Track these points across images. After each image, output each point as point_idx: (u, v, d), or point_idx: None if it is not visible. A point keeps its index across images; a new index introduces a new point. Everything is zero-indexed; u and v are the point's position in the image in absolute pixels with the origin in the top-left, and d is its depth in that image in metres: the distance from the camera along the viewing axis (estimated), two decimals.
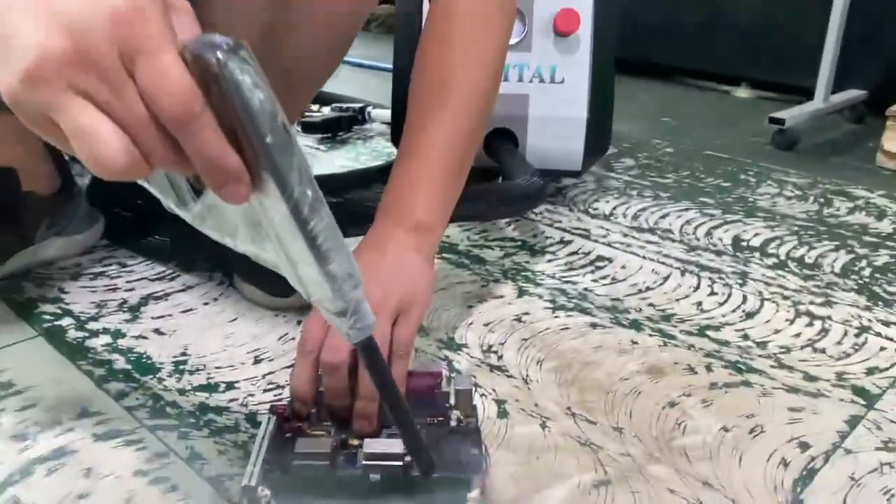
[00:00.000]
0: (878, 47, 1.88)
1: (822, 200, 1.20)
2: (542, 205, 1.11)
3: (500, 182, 0.99)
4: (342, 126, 1.51)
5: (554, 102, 1.06)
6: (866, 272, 0.95)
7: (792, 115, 1.60)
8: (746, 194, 1.22)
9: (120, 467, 0.57)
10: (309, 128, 1.47)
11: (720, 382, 0.70)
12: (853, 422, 0.65)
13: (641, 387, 0.69)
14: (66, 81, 0.33)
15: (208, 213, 0.42)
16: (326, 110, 1.55)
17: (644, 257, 0.97)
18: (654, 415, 0.65)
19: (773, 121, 1.59)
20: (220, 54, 0.34)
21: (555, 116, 1.06)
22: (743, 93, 2.13)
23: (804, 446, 0.62)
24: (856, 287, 0.90)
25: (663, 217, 1.10)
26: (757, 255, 0.99)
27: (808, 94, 1.73)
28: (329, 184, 1.14)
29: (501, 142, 1.07)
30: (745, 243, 1.02)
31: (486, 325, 0.79)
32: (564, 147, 1.08)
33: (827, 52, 1.66)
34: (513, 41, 1.05)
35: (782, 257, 0.98)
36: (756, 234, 1.05)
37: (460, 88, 0.68)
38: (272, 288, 0.80)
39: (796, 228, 1.08)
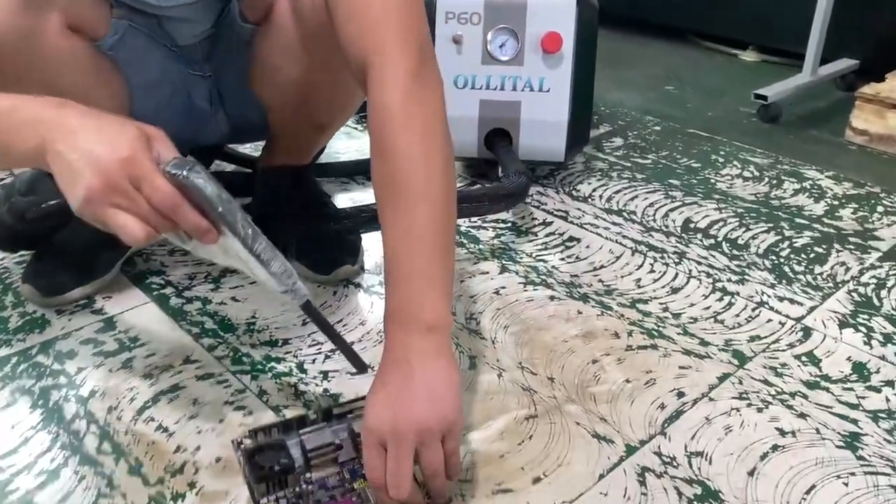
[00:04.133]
0: (870, 16, 2.03)
1: (774, 182, 1.43)
2: (525, 199, 1.33)
3: (489, 185, 1.23)
4: None
5: (541, 108, 1.30)
6: (784, 253, 1.19)
7: (775, 90, 1.79)
8: (710, 175, 1.45)
9: (214, 398, 0.87)
10: None
11: (635, 346, 0.97)
12: (723, 378, 0.92)
13: (575, 348, 0.96)
14: (103, 202, 0.62)
15: (198, 247, 0.70)
16: None
17: (606, 238, 1.22)
18: (579, 368, 0.92)
19: (758, 96, 1.79)
20: (184, 171, 0.63)
21: (542, 119, 1.30)
22: (749, 56, 2.30)
23: (680, 395, 0.89)
24: (769, 267, 1.15)
25: (632, 199, 1.35)
26: (699, 236, 1.23)
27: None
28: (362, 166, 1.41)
29: (498, 139, 1.32)
30: (693, 225, 1.27)
31: (472, 297, 1.07)
32: (550, 143, 1.32)
33: (815, 25, 1.83)
34: (507, 57, 1.29)
35: (719, 239, 1.23)
36: (705, 217, 1.29)
37: (424, 179, 0.73)
38: (315, 267, 1.09)
39: (741, 211, 1.31)
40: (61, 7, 0.81)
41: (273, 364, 0.93)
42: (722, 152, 1.56)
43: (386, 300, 0.73)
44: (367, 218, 1.07)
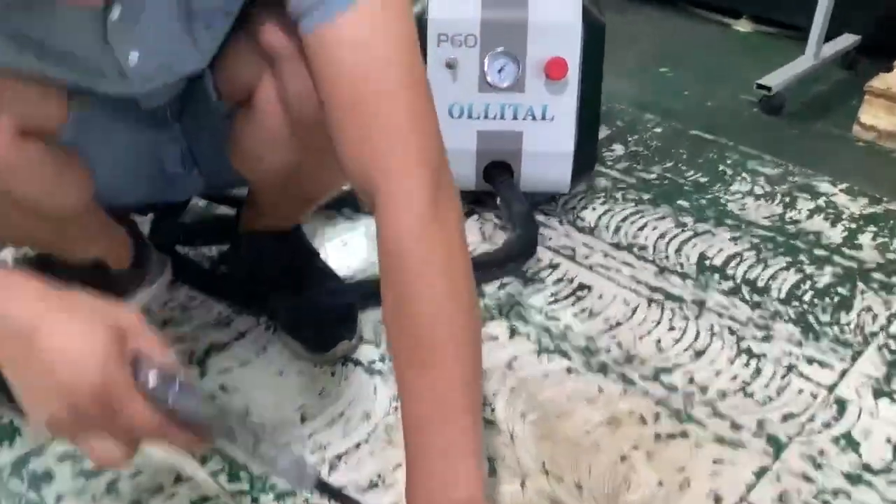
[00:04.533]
0: None
1: (787, 201, 1.34)
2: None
3: (494, 250, 1.14)
4: None
5: (545, 138, 1.19)
6: (807, 297, 1.12)
7: (778, 79, 1.69)
8: (720, 194, 1.36)
9: None
10: None
11: (663, 434, 0.90)
12: (760, 473, 0.86)
13: (601, 440, 0.89)
14: (72, 430, 0.51)
15: None
16: None
17: (619, 284, 1.14)
18: (607, 470, 0.86)
19: (760, 87, 1.70)
20: (170, 394, 0.52)
21: (545, 151, 1.20)
22: (742, 26, 2.18)
23: (717, 499, 0.83)
24: (794, 317, 1.08)
25: (641, 229, 1.26)
26: (717, 277, 1.16)
27: (804, 33, 1.78)
28: None
29: (498, 172, 1.21)
30: (708, 262, 1.19)
31: (484, 372, 0.98)
32: (554, 175, 1.22)
33: (821, 3, 1.71)
34: (506, 83, 1.17)
35: (738, 280, 1.15)
36: (720, 251, 1.21)
37: (450, 331, 0.64)
38: (312, 344, 0.99)
39: (757, 241, 1.24)
40: (9, 115, 0.68)
41: (274, 481, 0.84)
42: (729, 161, 1.47)
43: (408, 473, 0.65)
44: (366, 293, 0.98)
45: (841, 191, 1.38)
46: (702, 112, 1.69)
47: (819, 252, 1.22)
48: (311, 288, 1.00)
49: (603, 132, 1.56)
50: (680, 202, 1.34)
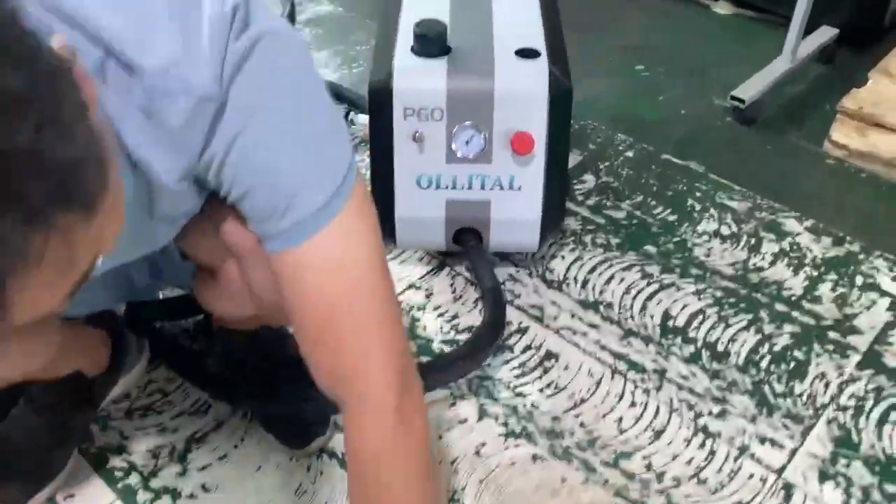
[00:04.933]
0: None
1: (752, 243, 1.37)
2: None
3: (461, 346, 1.15)
4: None
5: (512, 206, 1.20)
6: (765, 363, 1.16)
7: (752, 92, 1.68)
8: (687, 236, 1.38)
9: None
10: None
11: None
12: None
13: None
14: None
15: None
16: None
17: (584, 351, 1.18)
18: None
19: (735, 98, 1.69)
20: None
21: (513, 218, 1.21)
22: (722, 8, 2.14)
23: None
24: (750, 388, 1.13)
25: (608, 282, 1.29)
26: (679, 340, 1.20)
27: (784, 17, 1.74)
28: None
29: (467, 236, 1.23)
30: (671, 323, 1.22)
31: (453, 462, 1.04)
32: (523, 239, 1.24)
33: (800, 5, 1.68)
34: (473, 154, 1.17)
35: (699, 343, 1.19)
36: (684, 308, 1.25)
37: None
38: (286, 439, 1.04)
39: (720, 294, 1.27)
40: None
41: None
42: (698, 193, 1.48)
43: None
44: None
45: (806, 229, 1.40)
46: (675, 124, 1.68)
47: (779, 307, 1.25)
48: (282, 388, 1.03)
49: (574, 158, 1.57)
50: (647, 247, 1.36)
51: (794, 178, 1.54)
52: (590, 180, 1.52)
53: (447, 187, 1.20)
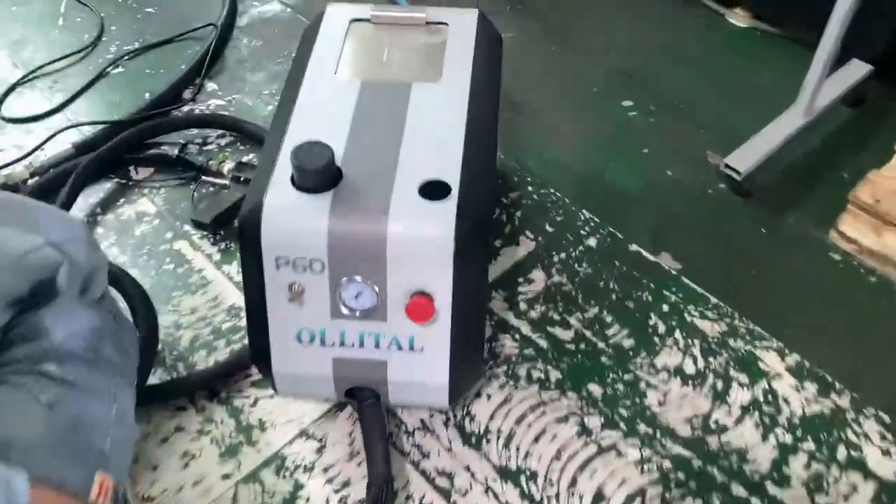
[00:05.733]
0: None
1: (718, 387, 1.14)
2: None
3: None
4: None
5: (414, 369, 0.98)
6: None
7: (749, 162, 1.40)
8: (642, 371, 1.15)
9: None
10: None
11: None
12: None
13: None
14: None
15: None
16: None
17: None
18: None
19: (729, 167, 1.41)
20: None
21: (415, 381, 0.99)
22: (737, 19, 1.81)
23: None
24: None
25: (536, 440, 1.08)
26: None
27: (809, 46, 1.42)
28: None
29: (362, 393, 1.02)
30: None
31: None
32: (429, 400, 1.03)
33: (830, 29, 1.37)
34: (364, 308, 0.94)
35: None
36: (621, 484, 1.04)
37: None
38: None
39: (668, 467, 1.05)
40: None
41: None
42: (665, 306, 1.24)
43: None
44: None
45: (788, 370, 1.16)
46: (655, 193, 1.42)
47: (737, 490, 1.04)
48: None
49: (526, 245, 1.32)
50: (592, 386, 1.14)
51: (787, 280, 1.28)
52: (538, 279, 1.28)
53: (333, 344, 0.98)
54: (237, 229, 0.94)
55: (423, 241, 0.91)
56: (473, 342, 1.02)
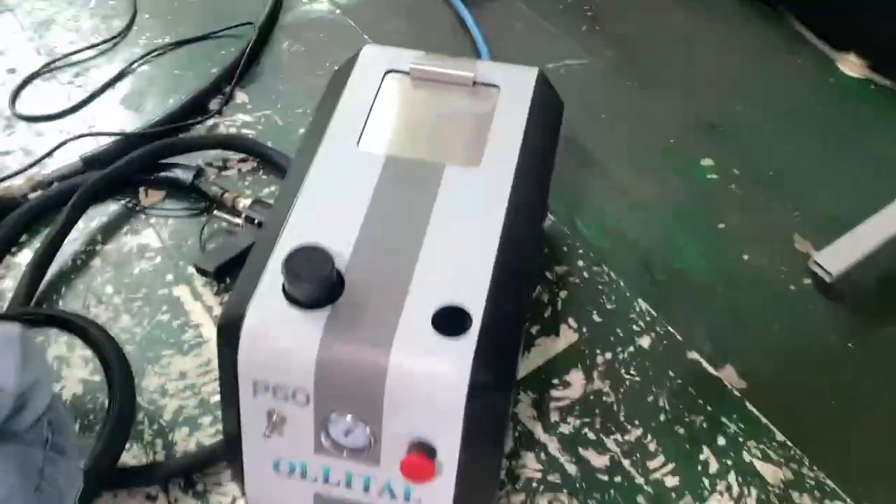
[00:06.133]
0: None
1: None
2: None
3: None
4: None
5: None
6: None
7: (845, 261, 1.19)
8: None
9: None
10: None
11: None
12: None
13: None
14: None
15: None
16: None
17: None
18: None
19: (818, 265, 1.20)
20: None
21: None
22: (850, 67, 1.56)
23: None
24: None
25: None
26: None
27: None
28: None
29: None
30: None
31: None
32: None
33: None
34: (354, 447, 0.79)
35: None
36: None
37: None
38: None
39: None
40: None
41: None
42: (721, 439, 1.05)
43: None
44: None
45: None
46: (726, 283, 1.21)
47: None
48: None
49: (567, 337, 1.14)
50: None
51: (877, 420, 1.08)
52: (576, 383, 1.10)
53: (316, 480, 0.82)
54: (217, 332, 0.79)
55: (430, 381, 0.74)
56: (484, 491, 0.86)
